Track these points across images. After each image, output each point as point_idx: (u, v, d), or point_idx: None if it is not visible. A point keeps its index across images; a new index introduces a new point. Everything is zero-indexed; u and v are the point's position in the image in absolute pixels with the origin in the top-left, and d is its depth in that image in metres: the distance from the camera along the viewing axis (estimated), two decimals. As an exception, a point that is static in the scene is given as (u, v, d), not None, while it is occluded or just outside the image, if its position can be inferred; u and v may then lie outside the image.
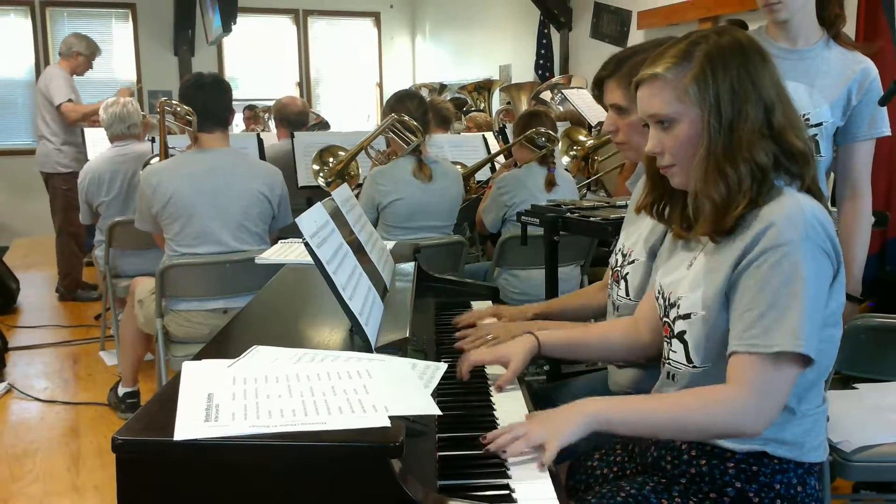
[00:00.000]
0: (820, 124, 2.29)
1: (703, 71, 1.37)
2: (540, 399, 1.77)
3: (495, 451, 1.28)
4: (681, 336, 1.45)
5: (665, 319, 1.52)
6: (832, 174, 2.47)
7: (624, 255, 1.88)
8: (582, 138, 4.48)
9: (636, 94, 1.49)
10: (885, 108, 2.31)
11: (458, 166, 4.16)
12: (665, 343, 1.52)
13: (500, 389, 1.60)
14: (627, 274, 1.84)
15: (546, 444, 1.27)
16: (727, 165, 1.36)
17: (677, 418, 1.34)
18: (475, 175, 4.49)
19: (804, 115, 2.28)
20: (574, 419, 1.32)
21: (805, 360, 1.30)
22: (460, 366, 1.63)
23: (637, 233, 1.87)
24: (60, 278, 6.07)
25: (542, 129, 3.84)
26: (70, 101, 5.73)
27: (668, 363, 1.50)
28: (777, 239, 1.31)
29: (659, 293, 1.56)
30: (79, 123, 5.76)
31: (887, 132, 2.35)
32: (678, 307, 1.47)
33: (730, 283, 1.37)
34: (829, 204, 2.43)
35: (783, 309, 1.29)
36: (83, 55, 5.88)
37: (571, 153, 4.41)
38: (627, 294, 1.83)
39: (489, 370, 1.71)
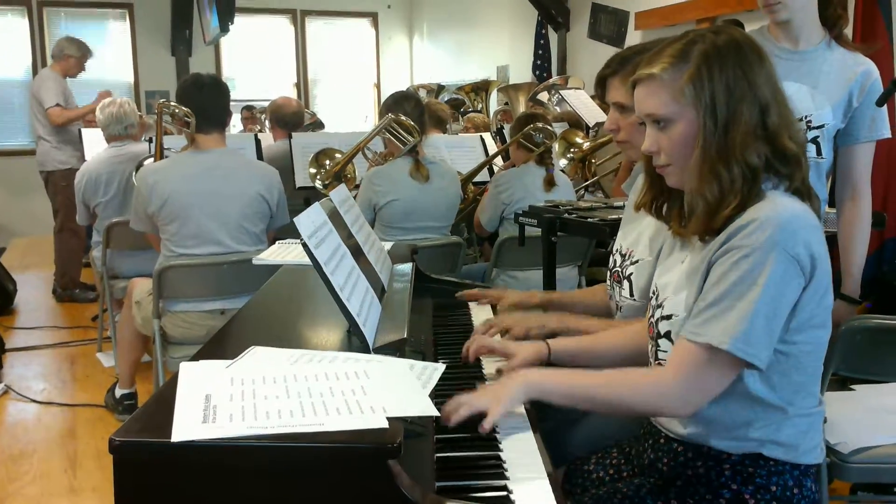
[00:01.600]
0: (822, 126, 2.29)
1: (699, 71, 1.37)
2: (538, 401, 1.77)
3: (445, 421, 1.34)
4: (668, 336, 1.46)
5: (651, 320, 1.53)
6: (832, 175, 2.47)
7: (623, 256, 1.88)
8: (579, 140, 4.48)
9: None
10: (885, 110, 2.31)
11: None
12: (651, 344, 1.53)
13: (499, 373, 1.63)
14: (631, 274, 1.83)
15: (489, 410, 1.34)
16: (721, 166, 1.36)
17: (608, 394, 1.40)
18: (473, 178, 4.49)
19: (806, 116, 2.27)
20: (513, 387, 1.40)
21: (740, 362, 1.31)
22: (468, 346, 1.66)
23: (636, 232, 1.86)
24: (58, 277, 6.07)
25: (540, 125, 3.84)
26: (58, 105, 5.83)
27: (659, 363, 1.51)
28: (745, 239, 1.31)
29: (653, 293, 1.57)
30: (67, 126, 5.87)
31: (887, 134, 2.35)
32: (662, 308, 1.48)
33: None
34: (826, 206, 2.44)
35: (727, 306, 1.31)
36: (74, 57, 5.96)
37: (569, 155, 4.41)
38: (632, 295, 1.83)
39: (487, 370, 1.71)
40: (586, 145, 4.43)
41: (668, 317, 1.46)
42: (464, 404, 1.35)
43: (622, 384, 1.40)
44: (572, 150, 4.42)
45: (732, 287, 1.31)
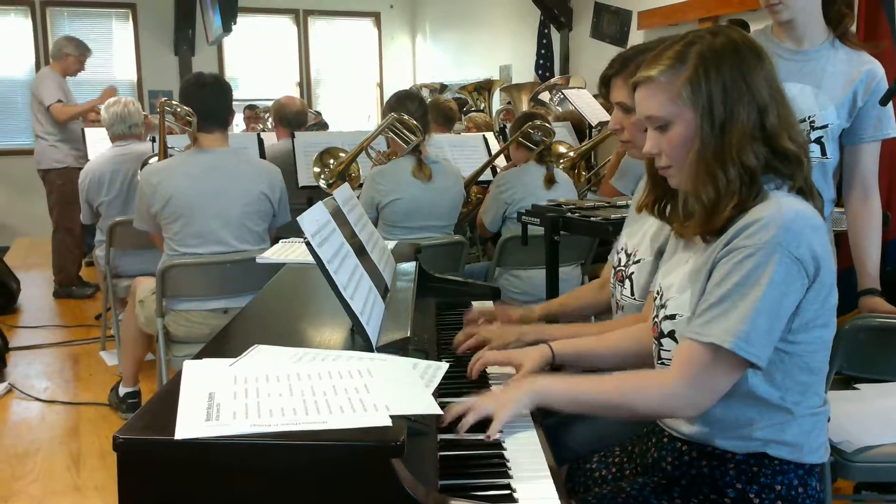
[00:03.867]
0: (825, 126, 2.28)
1: (696, 72, 1.38)
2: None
3: (447, 426, 1.35)
4: (672, 335, 1.46)
5: (654, 319, 1.53)
6: (838, 174, 2.46)
7: (628, 255, 1.88)
8: (563, 150, 4.54)
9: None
10: (890, 109, 2.30)
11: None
12: (654, 343, 1.53)
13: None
14: (633, 274, 1.84)
15: (494, 416, 1.34)
16: (717, 167, 1.36)
17: (613, 398, 1.40)
18: (476, 180, 4.49)
19: (810, 117, 2.27)
20: (518, 394, 1.40)
21: (744, 362, 1.31)
22: (471, 365, 1.64)
23: (640, 232, 1.86)
24: (55, 273, 6.11)
25: (538, 123, 3.84)
26: (60, 101, 5.85)
27: (663, 363, 1.50)
28: (747, 239, 1.31)
29: (657, 294, 1.56)
30: (70, 123, 5.88)
31: (893, 133, 2.33)
32: (666, 308, 1.48)
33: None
34: (833, 206, 2.43)
35: (730, 306, 1.31)
36: (72, 56, 5.99)
37: (560, 166, 4.44)
38: (633, 294, 1.83)
39: (491, 370, 1.71)
40: (571, 153, 4.50)
41: (672, 316, 1.46)
42: (470, 410, 1.35)
43: (627, 388, 1.40)
44: (562, 160, 4.45)
45: (735, 287, 1.31)
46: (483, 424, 1.34)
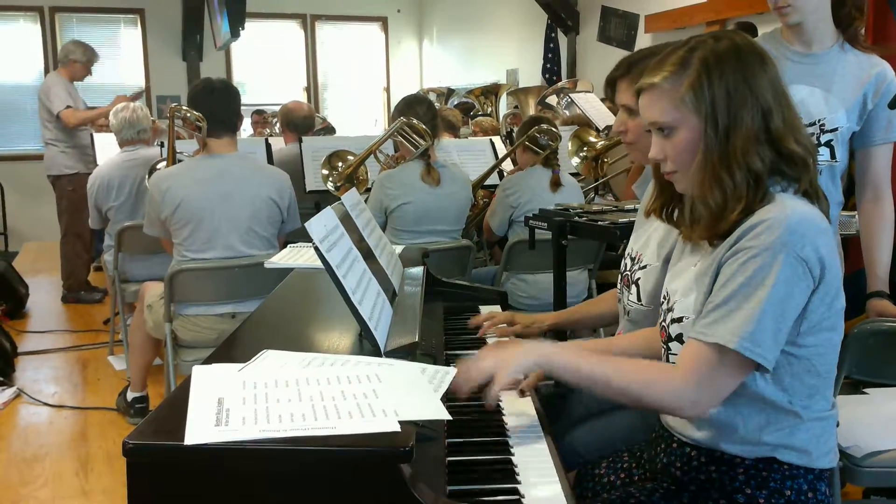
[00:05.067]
0: (835, 129, 2.27)
1: (698, 78, 1.38)
2: (549, 403, 1.77)
3: (456, 392, 1.39)
4: (679, 339, 1.46)
5: (662, 324, 1.53)
6: (845, 178, 2.45)
7: (633, 260, 1.87)
8: (592, 139, 4.48)
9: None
10: None
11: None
12: (663, 347, 1.53)
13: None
14: (639, 279, 1.83)
15: (495, 375, 1.38)
16: (723, 172, 1.36)
17: (617, 382, 1.39)
18: (483, 183, 4.49)
19: (819, 120, 2.26)
20: (521, 356, 1.42)
21: (750, 363, 1.31)
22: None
23: (646, 236, 1.86)
24: (64, 279, 6.13)
25: (545, 127, 3.85)
26: (69, 107, 5.82)
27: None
28: (753, 240, 1.31)
29: (664, 298, 1.56)
30: (79, 128, 5.88)
31: None
32: (673, 311, 1.48)
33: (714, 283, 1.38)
34: (840, 209, 2.42)
35: (735, 307, 1.31)
36: (80, 62, 5.97)
37: (581, 154, 4.41)
38: (639, 299, 1.82)
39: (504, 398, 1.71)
40: (599, 144, 4.43)
41: (679, 319, 1.45)
42: (472, 369, 1.39)
43: (633, 375, 1.39)
44: (585, 148, 4.41)
45: (740, 288, 1.31)
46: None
